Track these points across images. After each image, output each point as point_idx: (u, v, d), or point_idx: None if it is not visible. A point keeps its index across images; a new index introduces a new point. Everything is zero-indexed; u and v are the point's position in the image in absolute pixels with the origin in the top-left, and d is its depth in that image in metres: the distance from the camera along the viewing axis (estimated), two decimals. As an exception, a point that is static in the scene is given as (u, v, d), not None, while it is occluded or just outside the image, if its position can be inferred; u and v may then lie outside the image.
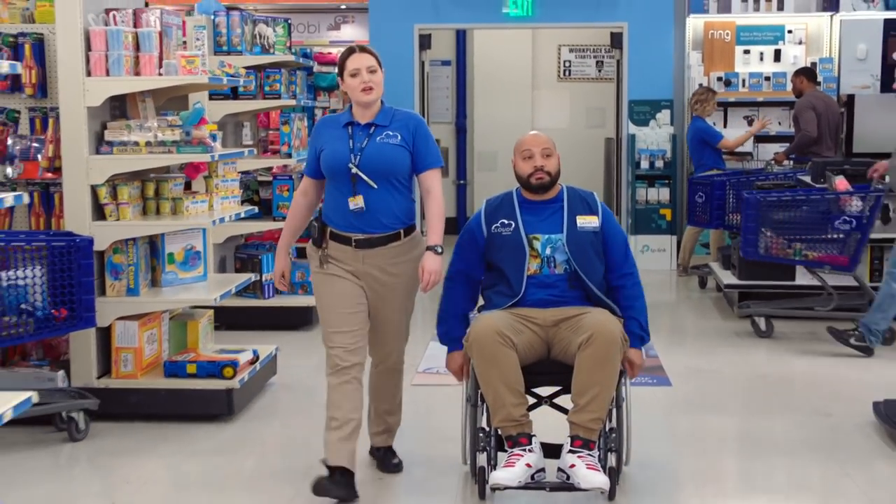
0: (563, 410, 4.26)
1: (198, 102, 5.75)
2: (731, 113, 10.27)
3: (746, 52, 10.24)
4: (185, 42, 5.58)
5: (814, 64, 9.94)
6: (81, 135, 5.11)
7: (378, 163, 4.16)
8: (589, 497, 4.13)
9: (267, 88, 7.59)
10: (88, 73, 5.10)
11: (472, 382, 4.20)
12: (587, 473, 3.92)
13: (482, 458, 4.16)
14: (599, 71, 13.02)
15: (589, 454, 3.99)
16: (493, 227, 4.31)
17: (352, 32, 12.24)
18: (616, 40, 10.80)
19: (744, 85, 10.13)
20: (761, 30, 10.28)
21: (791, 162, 9.21)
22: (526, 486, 4.00)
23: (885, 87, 9.78)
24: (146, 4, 5.87)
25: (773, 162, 9.31)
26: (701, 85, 9.77)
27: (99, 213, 5.20)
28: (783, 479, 4.56)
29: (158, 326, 5.45)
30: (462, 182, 13.05)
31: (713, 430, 5.31)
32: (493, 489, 4.04)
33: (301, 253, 6.57)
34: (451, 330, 4.33)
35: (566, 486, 4.01)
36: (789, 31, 10.26)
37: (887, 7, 9.93)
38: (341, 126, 4.25)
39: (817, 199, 6.97)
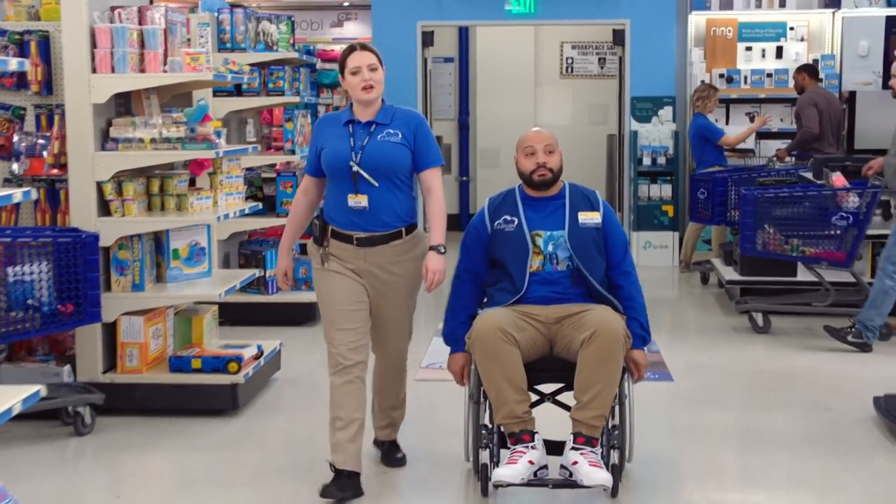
0: (566, 407, 4.26)
1: (202, 99, 5.77)
2: (733, 110, 10.28)
3: (748, 48, 10.25)
4: (188, 39, 5.61)
5: (815, 61, 9.95)
6: (87, 131, 5.14)
7: (379, 161, 4.16)
8: (592, 494, 4.14)
9: (270, 85, 7.62)
10: (94, 71, 5.14)
11: (475, 379, 4.21)
12: (590, 470, 3.93)
13: (485, 455, 4.17)
14: (602, 68, 13.03)
15: (592, 451, 3.99)
16: (496, 224, 4.31)
17: (355, 29, 12.27)
18: (618, 37, 10.82)
19: (746, 82, 10.14)
20: (763, 26, 10.30)
21: (793, 158, 9.22)
22: (528, 483, 4.00)
23: (887, 83, 9.77)
24: (151, 2, 5.90)
25: (774, 158, 9.33)
26: (703, 82, 9.79)
27: (104, 209, 5.24)
28: (784, 474, 4.58)
29: (163, 322, 5.48)
30: (465, 179, 13.06)
31: (714, 425, 5.34)
32: (496, 486, 4.04)
33: (304, 249, 6.60)
34: (455, 330, 4.33)
35: (569, 483, 4.01)
36: (791, 28, 10.27)
37: (889, 4, 9.95)
38: (342, 124, 4.25)
39: (814, 196, 7.00)
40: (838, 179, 6.97)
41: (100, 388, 5.13)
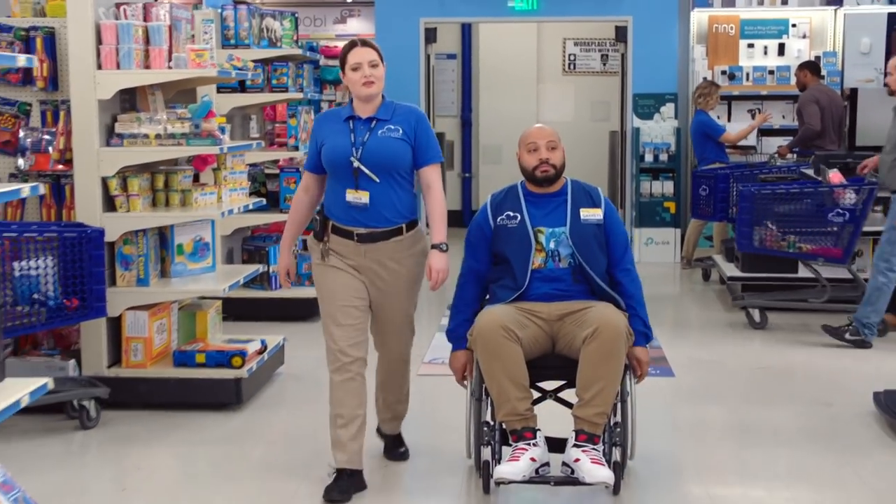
0: (568, 405, 4.26)
1: (206, 95, 5.79)
2: (735, 106, 10.31)
3: (750, 45, 10.28)
4: (192, 35, 5.63)
5: (817, 58, 9.97)
6: (92, 127, 5.17)
7: (380, 157, 4.14)
8: (593, 491, 4.13)
9: (274, 82, 7.66)
10: (99, 67, 5.16)
11: (477, 376, 4.20)
12: (592, 468, 3.92)
13: (486, 452, 4.15)
14: (604, 64, 13.06)
15: (594, 448, 3.99)
16: (498, 220, 4.31)
17: (358, 26, 12.30)
18: (621, 34, 10.84)
19: (748, 78, 10.17)
20: (765, 24, 10.32)
21: (794, 155, 9.24)
22: (530, 481, 4.00)
23: (887, 81, 9.80)
24: (155, -1, 5.93)
25: (776, 155, 9.36)
26: (705, 79, 9.81)
27: (109, 204, 5.27)
28: (784, 468, 4.61)
29: (168, 316, 5.51)
30: (467, 175, 13.09)
31: (715, 420, 5.37)
32: (498, 483, 4.03)
33: (306, 245, 6.62)
34: (458, 328, 4.33)
35: (571, 480, 4.00)
36: (793, 25, 10.29)
37: (891, 1, 9.97)
38: (342, 120, 4.23)
39: (812, 192, 7.04)
40: (835, 176, 7.01)
41: (104, 382, 5.16)
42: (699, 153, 9.42)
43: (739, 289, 7.79)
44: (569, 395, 4.26)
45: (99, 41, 5.17)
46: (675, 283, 9.35)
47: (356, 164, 4.13)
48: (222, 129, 5.45)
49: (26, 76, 5.34)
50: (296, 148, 7.54)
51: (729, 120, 10.17)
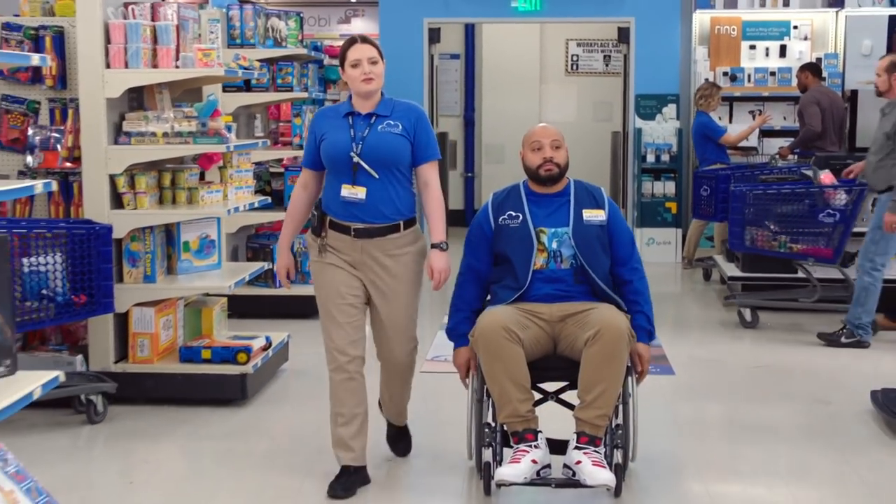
0: (570, 406, 4.25)
1: (211, 94, 5.84)
2: (737, 108, 10.36)
3: (752, 47, 10.34)
4: (199, 35, 5.69)
5: (819, 59, 10.02)
6: (100, 125, 5.22)
7: (380, 152, 4.11)
8: (595, 494, 4.12)
9: (279, 81, 7.70)
10: (108, 66, 5.22)
11: (478, 377, 4.17)
12: (593, 470, 3.91)
13: (488, 454, 4.12)
14: (607, 65, 13.10)
15: (595, 451, 3.97)
16: (500, 219, 4.28)
17: (362, 26, 12.36)
18: (623, 35, 10.90)
19: (749, 80, 10.23)
20: (767, 25, 10.37)
21: (795, 156, 9.29)
22: (531, 483, 3.98)
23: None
24: (163, -1, 5.98)
25: (777, 156, 9.40)
26: (706, 80, 9.86)
27: (117, 201, 5.32)
28: (783, 466, 4.65)
29: (174, 313, 5.57)
30: (470, 174, 13.14)
31: (715, 418, 5.41)
32: (499, 485, 4.01)
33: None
34: (459, 325, 4.31)
35: (572, 482, 3.99)
36: (795, 27, 10.35)
37: (892, 3, 10.02)
38: (341, 116, 4.20)
39: (803, 193, 7.10)
40: (826, 177, 7.09)
41: (112, 378, 5.21)
42: (700, 154, 9.47)
43: (740, 288, 7.85)
44: (570, 396, 4.24)
45: (107, 40, 5.22)
46: (677, 283, 9.40)
47: (356, 159, 4.10)
48: (229, 128, 5.50)
49: (35, 74, 5.40)
50: (300, 147, 7.58)
51: (730, 121, 10.21)
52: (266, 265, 6.59)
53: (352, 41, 4.19)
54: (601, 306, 4.14)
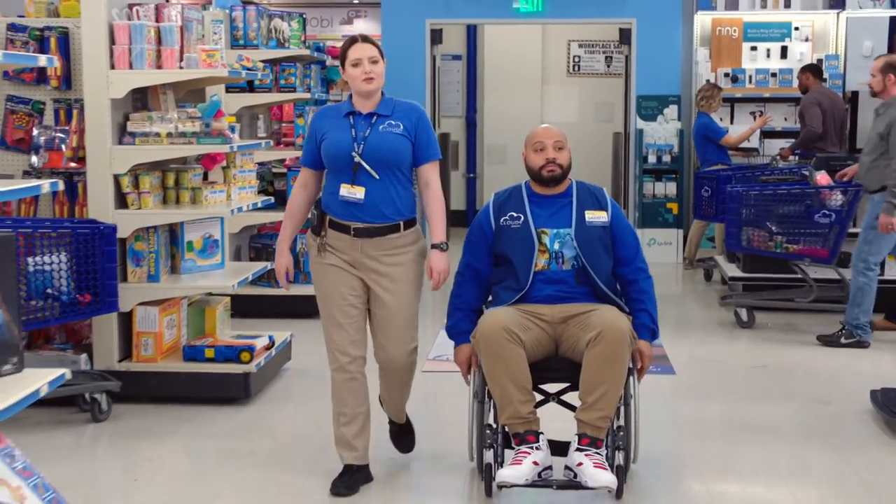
0: (571, 407, 4.25)
1: (215, 95, 5.86)
2: (738, 109, 10.39)
3: (753, 48, 10.35)
4: (202, 36, 5.72)
5: (820, 61, 10.04)
6: (105, 126, 5.25)
7: (382, 152, 4.10)
8: (596, 496, 4.11)
9: (282, 82, 7.74)
10: (112, 66, 5.25)
11: (479, 379, 4.16)
12: (595, 472, 3.90)
13: (489, 455, 4.11)
14: (608, 66, 13.13)
15: (596, 452, 3.96)
16: (501, 220, 4.27)
17: (364, 27, 12.38)
18: (625, 36, 10.92)
19: (750, 81, 10.25)
20: (768, 27, 10.39)
21: (796, 157, 9.32)
22: (533, 484, 3.97)
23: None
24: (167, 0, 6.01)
25: (778, 157, 9.43)
26: (707, 81, 9.88)
27: (121, 201, 5.35)
28: (783, 465, 4.68)
29: (178, 312, 5.60)
30: (472, 175, 13.17)
31: (716, 418, 5.43)
32: (500, 487, 4.01)
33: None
34: (459, 323, 4.30)
35: (573, 484, 3.98)
36: (796, 28, 10.37)
37: (893, 5, 10.04)
38: (342, 115, 4.18)
39: (798, 194, 7.13)
40: (822, 178, 7.13)
41: (115, 376, 5.24)
42: (701, 155, 9.50)
43: (741, 289, 7.87)
44: (572, 397, 4.24)
45: (112, 41, 5.25)
46: (678, 283, 9.43)
47: (357, 159, 4.09)
48: (232, 129, 5.53)
49: (40, 75, 5.43)
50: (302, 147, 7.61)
51: (731, 122, 10.23)
52: (269, 265, 6.60)
53: (352, 40, 4.18)
54: (603, 308, 4.14)
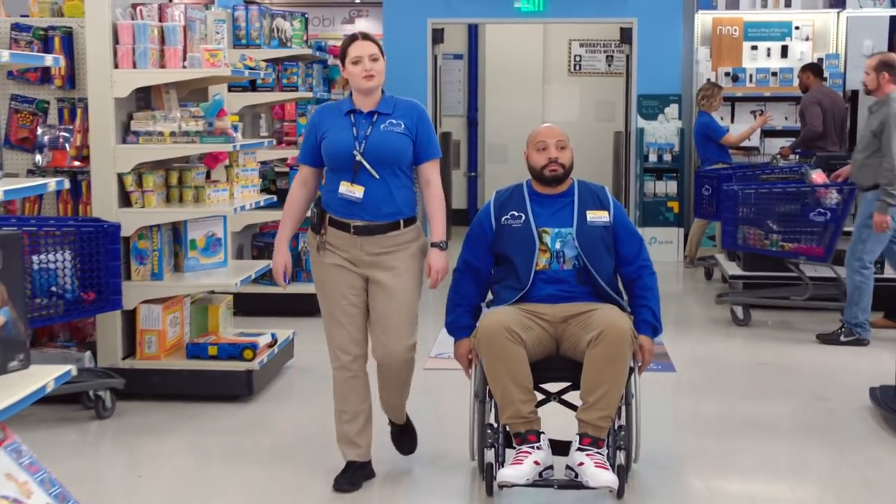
0: (572, 407, 4.25)
1: (217, 94, 5.88)
2: (739, 108, 10.42)
3: (754, 47, 10.38)
4: (205, 35, 5.74)
5: (820, 60, 10.07)
6: (109, 125, 5.29)
7: (383, 151, 4.09)
8: (597, 495, 4.11)
9: (284, 81, 7.76)
10: (116, 66, 5.28)
11: (480, 378, 4.16)
12: (596, 472, 3.89)
13: (490, 455, 4.12)
14: (609, 65, 13.15)
15: (598, 452, 3.95)
16: (502, 219, 4.26)
17: (366, 26, 12.40)
18: (626, 35, 10.95)
19: (751, 80, 10.27)
20: (769, 26, 10.42)
21: (797, 156, 9.34)
22: (534, 484, 3.96)
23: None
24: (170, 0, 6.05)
25: (779, 156, 9.46)
26: (708, 80, 9.91)
27: (125, 200, 5.38)
28: (783, 462, 4.71)
29: (181, 310, 5.63)
30: (473, 174, 13.19)
31: (716, 415, 5.44)
32: (501, 486, 4.00)
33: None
34: (458, 319, 4.29)
35: (574, 484, 3.97)
36: (796, 28, 10.39)
37: (893, 4, 10.06)
38: (343, 114, 4.16)
39: (794, 192, 7.16)
40: (818, 176, 7.16)
41: (119, 374, 5.27)
42: (702, 154, 9.52)
43: (741, 287, 7.90)
44: (573, 397, 4.23)
45: (116, 41, 5.28)
46: (678, 282, 9.45)
47: (358, 157, 4.07)
48: (235, 128, 5.55)
49: (44, 74, 5.46)
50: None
51: (732, 121, 10.26)
52: (271, 263, 6.65)
53: (353, 38, 4.16)
54: (604, 307, 4.13)
